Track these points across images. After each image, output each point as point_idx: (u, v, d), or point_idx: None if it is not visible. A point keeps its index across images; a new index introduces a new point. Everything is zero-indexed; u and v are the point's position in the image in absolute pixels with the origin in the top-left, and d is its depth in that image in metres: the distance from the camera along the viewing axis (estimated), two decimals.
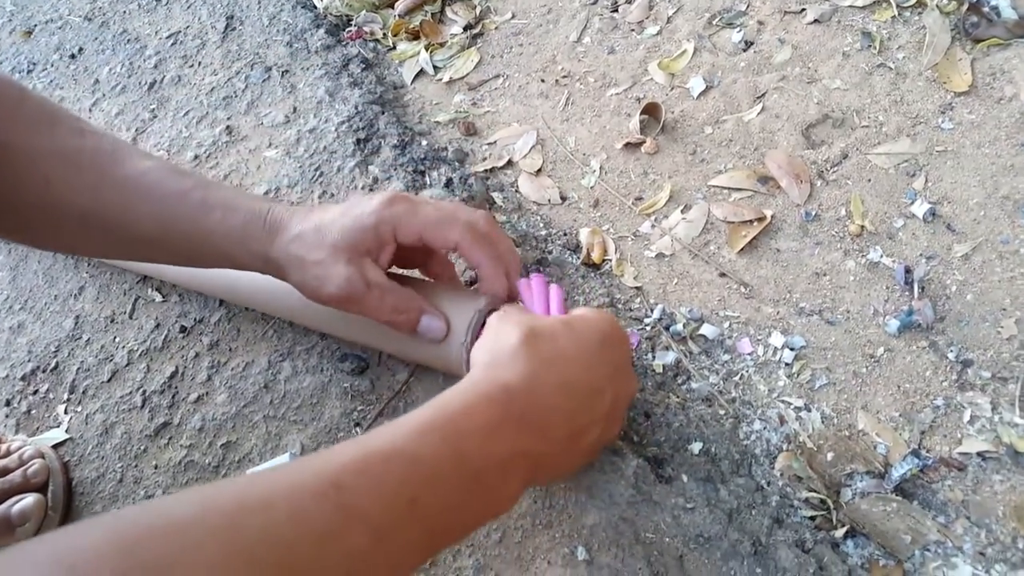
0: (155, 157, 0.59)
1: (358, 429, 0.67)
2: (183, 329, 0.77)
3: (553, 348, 0.48)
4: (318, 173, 0.88)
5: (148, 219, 0.56)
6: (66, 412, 0.76)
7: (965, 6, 0.80)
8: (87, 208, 0.55)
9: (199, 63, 1.03)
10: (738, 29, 0.89)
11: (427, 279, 0.64)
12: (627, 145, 0.85)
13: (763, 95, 0.84)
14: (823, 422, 0.64)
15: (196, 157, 0.92)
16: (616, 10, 0.97)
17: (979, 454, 0.60)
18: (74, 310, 0.83)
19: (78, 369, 0.78)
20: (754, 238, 0.75)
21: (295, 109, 0.95)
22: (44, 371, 0.79)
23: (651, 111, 0.86)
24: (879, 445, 0.62)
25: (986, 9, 0.79)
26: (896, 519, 0.58)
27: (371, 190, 0.85)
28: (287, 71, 0.99)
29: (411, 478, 0.38)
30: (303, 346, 0.73)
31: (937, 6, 0.81)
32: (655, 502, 0.56)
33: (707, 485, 0.58)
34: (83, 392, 0.76)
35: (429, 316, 0.57)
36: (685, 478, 0.58)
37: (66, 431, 0.74)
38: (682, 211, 0.79)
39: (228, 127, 0.94)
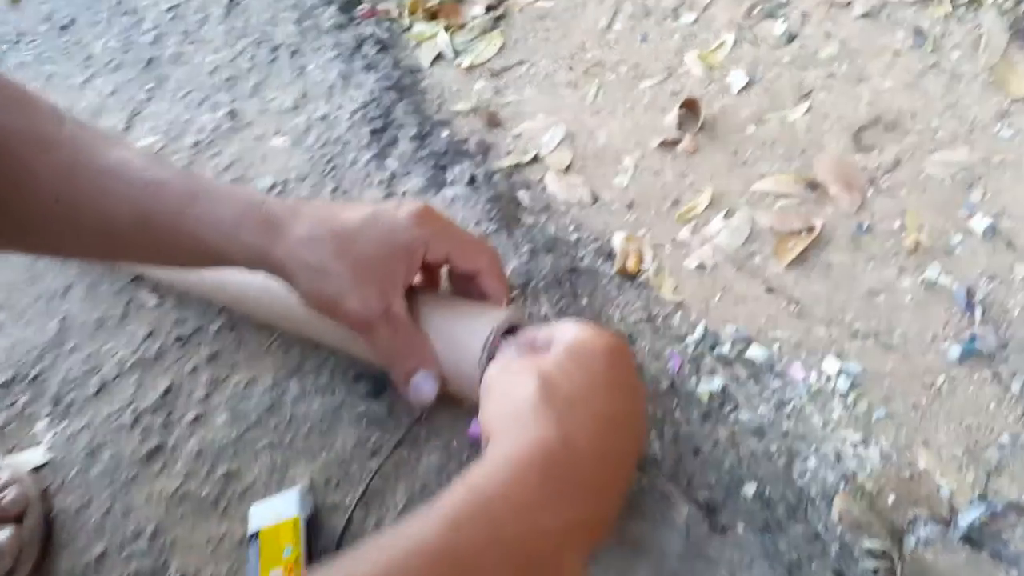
0: (139, 149, 0.53)
1: (375, 459, 0.61)
2: (179, 338, 0.71)
3: (570, 388, 0.44)
4: (330, 166, 0.81)
5: (125, 210, 0.50)
6: (49, 428, 0.69)
7: (1023, 6, 0.74)
8: (61, 196, 0.49)
9: (200, 40, 0.96)
10: (781, 20, 0.83)
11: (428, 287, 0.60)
12: (663, 143, 0.78)
13: (809, 93, 0.78)
14: (882, 459, 0.59)
15: (196, 143, 0.85)
16: None
17: None
18: (59, 311, 0.76)
19: (62, 380, 0.72)
20: (803, 251, 0.69)
21: (305, 94, 0.88)
22: (24, 380, 0.72)
23: (689, 106, 0.79)
24: (943, 487, 0.57)
25: None
26: (965, 572, 0.53)
27: (388, 186, 0.79)
28: (296, 51, 0.92)
29: None
30: (312, 362, 0.67)
31: (995, 3, 0.75)
32: (710, 558, 0.51)
33: (764, 536, 0.53)
34: (67, 406, 0.70)
35: (425, 374, 0.54)
36: (741, 528, 0.54)
37: (48, 450, 0.67)
38: (724, 217, 0.73)
39: (231, 111, 0.87)
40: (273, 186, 0.79)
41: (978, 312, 0.63)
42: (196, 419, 0.66)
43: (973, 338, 0.62)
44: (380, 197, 0.77)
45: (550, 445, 0.40)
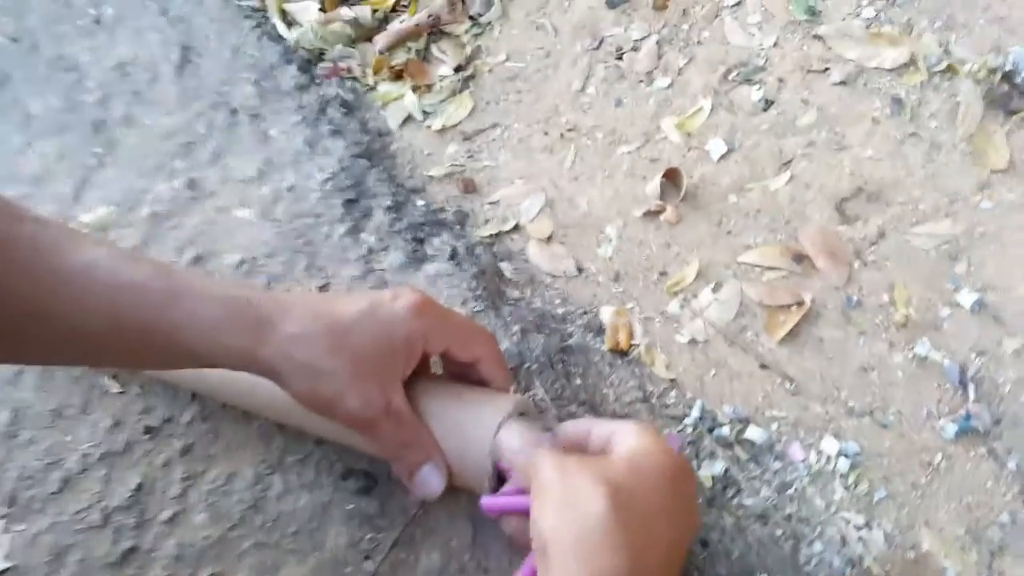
0: (108, 243, 0.53)
1: (368, 562, 0.63)
2: (148, 430, 0.71)
3: (643, 509, 0.45)
4: (302, 241, 0.83)
5: (97, 316, 0.50)
6: (6, 531, 0.68)
7: (998, 75, 0.81)
8: (25, 303, 0.48)
9: (151, 101, 0.96)
10: (757, 86, 0.88)
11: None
12: (646, 213, 0.82)
13: (789, 162, 0.83)
14: (886, 542, 0.63)
15: (153, 214, 0.86)
16: (621, 58, 0.95)
17: None
18: (10, 400, 0.75)
19: (18, 476, 0.70)
20: (794, 325, 0.73)
21: (269, 161, 0.89)
22: None
23: (670, 176, 0.84)
24: (948, 570, 0.62)
25: (1018, 80, 0.80)
26: None
27: (366, 262, 0.81)
28: (256, 115, 0.94)
29: None
30: (295, 456, 0.68)
31: (970, 73, 0.82)
32: None
33: None
34: (26, 506, 0.69)
35: (431, 468, 0.56)
36: None
37: (6, 556, 0.66)
38: (712, 290, 0.77)
39: (190, 180, 0.88)
40: (241, 263, 0.80)
41: (971, 389, 0.68)
42: (172, 518, 0.66)
43: (968, 416, 0.67)
44: (358, 274, 0.79)
45: None
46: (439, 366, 0.65)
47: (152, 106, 0.96)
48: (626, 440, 0.49)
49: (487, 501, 0.54)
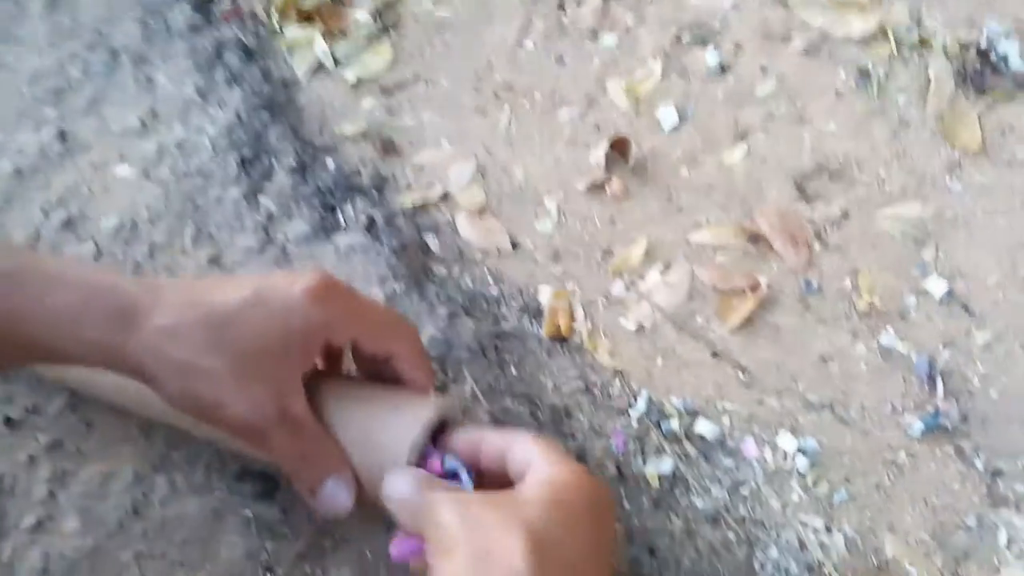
0: None
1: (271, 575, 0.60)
2: (9, 421, 0.67)
3: (563, 557, 0.41)
4: (190, 204, 0.79)
5: None
6: None
7: (972, 51, 0.82)
8: None
9: (16, 39, 0.91)
10: (712, 48, 0.88)
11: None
12: (590, 185, 0.81)
13: (746, 134, 0.84)
14: (847, 546, 0.64)
15: (17, 171, 0.81)
16: (563, 9, 0.93)
17: None
18: None
19: None
20: (750, 312, 0.73)
21: (154, 112, 0.85)
22: None
23: (617, 146, 0.83)
24: None
25: (994, 57, 0.82)
26: None
27: (265, 231, 0.78)
28: (141, 58, 0.89)
29: None
30: (182, 453, 0.65)
31: (942, 47, 0.83)
32: None
33: None
34: None
35: (336, 481, 0.52)
36: None
37: None
38: (661, 272, 0.77)
39: (61, 131, 0.83)
40: (120, 228, 0.76)
41: (939, 383, 0.69)
42: (38, 525, 0.62)
43: (936, 413, 0.68)
44: (255, 245, 0.76)
45: None
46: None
47: (17, 45, 0.91)
48: (539, 472, 0.45)
49: (401, 548, 0.50)
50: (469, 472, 0.50)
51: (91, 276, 0.48)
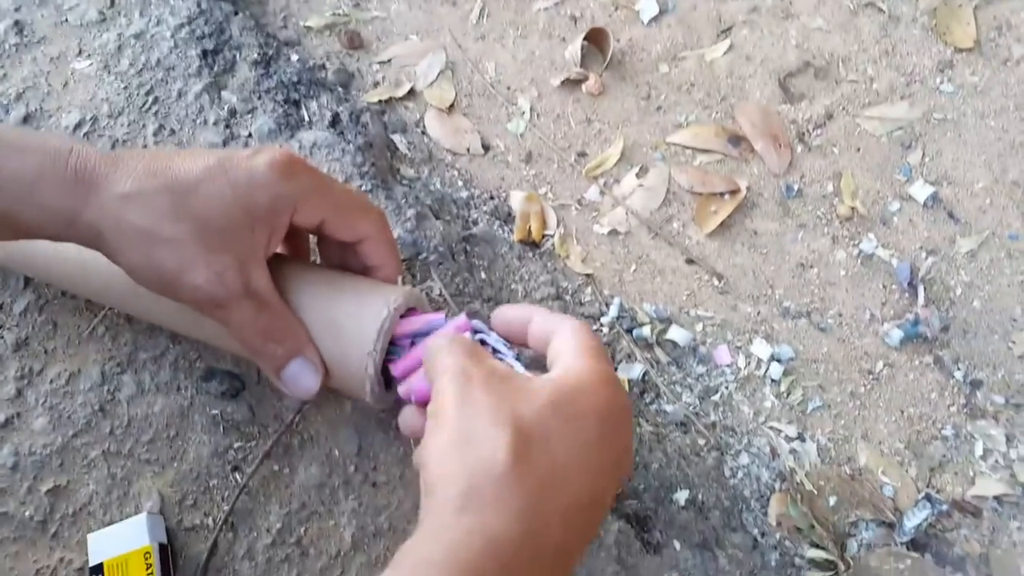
0: None
1: (237, 474, 0.58)
2: None
3: (550, 462, 0.39)
4: (151, 98, 0.75)
5: None
6: None
7: None
8: None
9: None
10: None
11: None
12: (565, 82, 0.78)
13: (729, 29, 0.80)
14: (820, 455, 0.63)
15: None
16: None
17: (995, 497, 0.61)
18: None
19: None
20: (727, 216, 0.71)
21: (112, 2, 0.80)
22: None
23: (594, 38, 0.79)
24: (885, 486, 0.61)
25: None
26: None
27: (227, 127, 0.74)
28: None
29: None
30: (148, 353, 0.63)
31: None
32: None
33: (703, 553, 0.55)
34: None
35: (302, 362, 0.50)
36: (677, 544, 0.55)
37: None
38: (637, 174, 0.74)
39: (17, 23, 0.79)
40: (79, 123, 0.73)
41: (920, 291, 0.67)
42: (6, 423, 0.61)
43: (916, 321, 0.66)
44: (217, 140, 0.72)
45: (511, 547, 0.36)
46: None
47: None
48: (560, 362, 0.43)
49: (419, 387, 0.48)
50: (508, 346, 0.49)
51: (49, 142, 0.46)
